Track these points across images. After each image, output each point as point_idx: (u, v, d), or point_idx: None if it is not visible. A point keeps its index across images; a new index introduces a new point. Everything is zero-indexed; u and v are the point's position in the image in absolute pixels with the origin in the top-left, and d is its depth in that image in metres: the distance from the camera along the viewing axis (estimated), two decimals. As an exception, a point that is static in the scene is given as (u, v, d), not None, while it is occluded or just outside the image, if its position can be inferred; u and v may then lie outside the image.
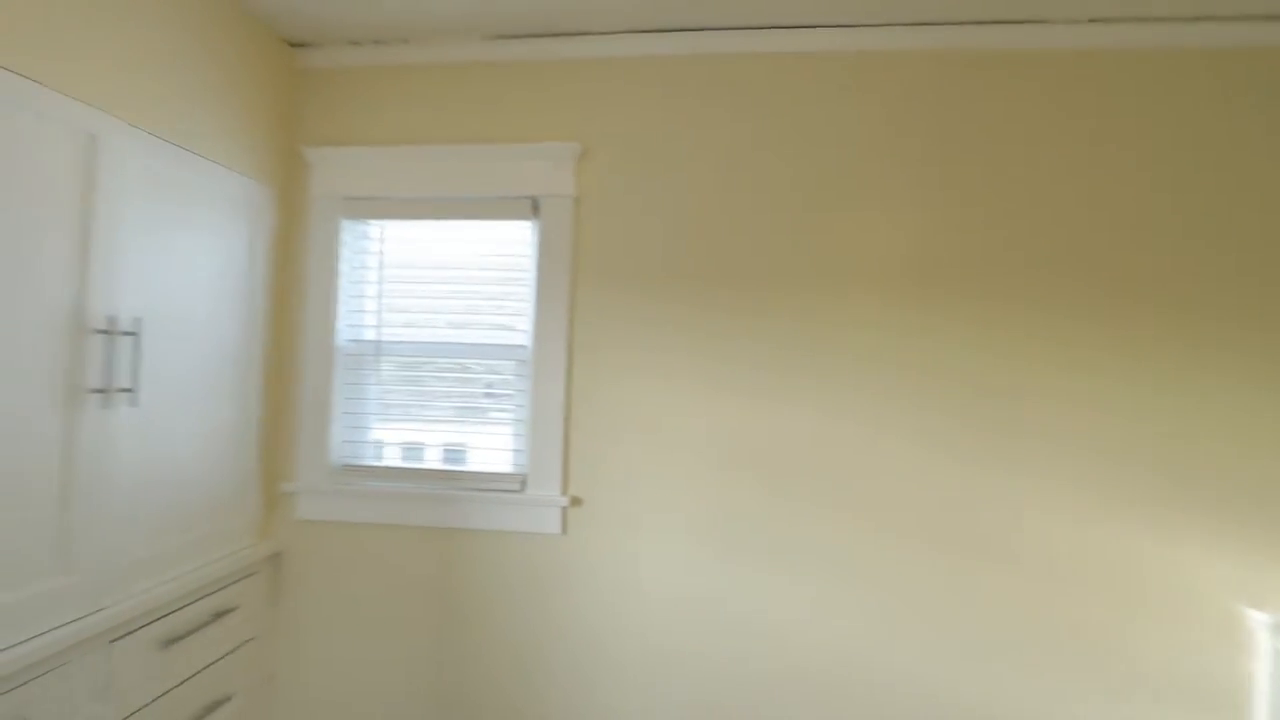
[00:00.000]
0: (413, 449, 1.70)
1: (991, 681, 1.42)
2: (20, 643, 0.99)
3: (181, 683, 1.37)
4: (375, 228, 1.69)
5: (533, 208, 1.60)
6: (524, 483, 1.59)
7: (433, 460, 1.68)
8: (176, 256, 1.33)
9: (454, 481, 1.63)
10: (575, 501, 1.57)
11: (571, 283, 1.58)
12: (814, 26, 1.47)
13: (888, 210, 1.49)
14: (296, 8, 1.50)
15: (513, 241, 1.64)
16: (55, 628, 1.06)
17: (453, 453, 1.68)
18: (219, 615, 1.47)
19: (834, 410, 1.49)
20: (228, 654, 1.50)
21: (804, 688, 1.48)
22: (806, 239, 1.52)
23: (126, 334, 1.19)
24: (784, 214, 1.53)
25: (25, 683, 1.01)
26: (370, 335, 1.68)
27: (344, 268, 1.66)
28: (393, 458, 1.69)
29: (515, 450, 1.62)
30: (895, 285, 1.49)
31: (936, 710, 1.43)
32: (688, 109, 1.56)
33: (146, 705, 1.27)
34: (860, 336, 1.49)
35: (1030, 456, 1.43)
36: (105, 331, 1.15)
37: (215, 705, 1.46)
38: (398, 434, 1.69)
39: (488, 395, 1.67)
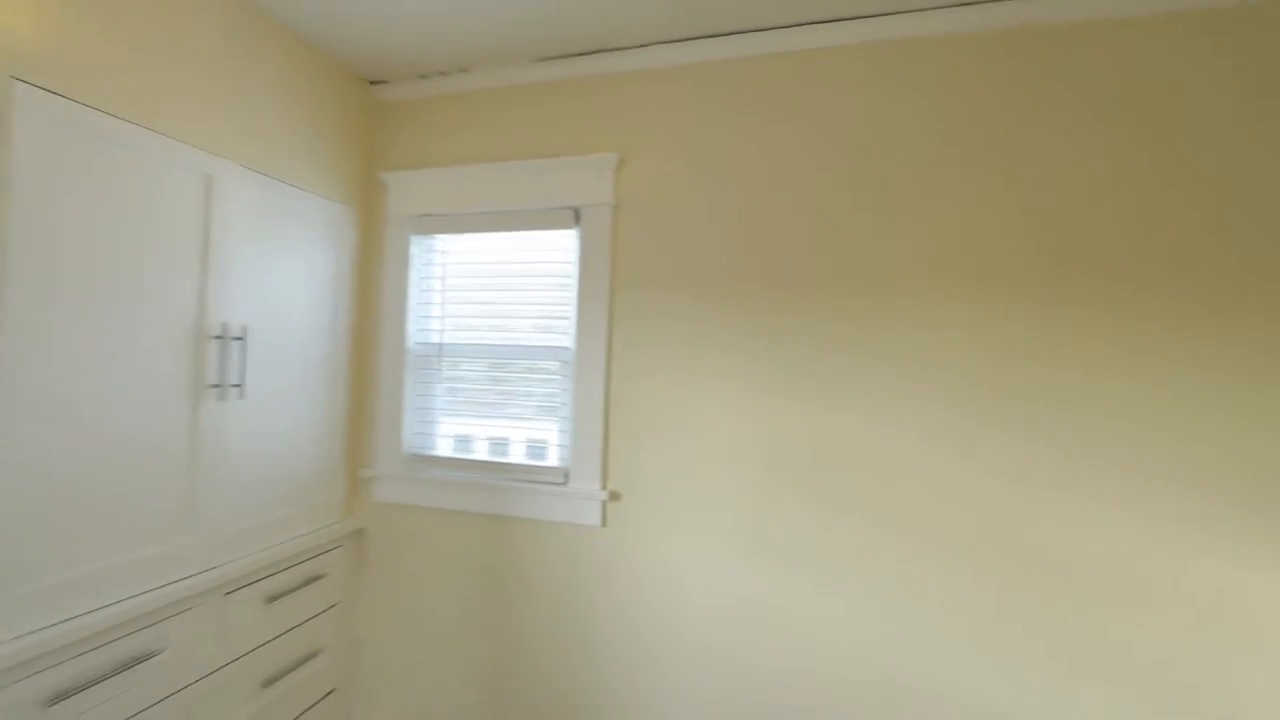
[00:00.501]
0: (479, 442, 1.85)
1: (1033, 698, 1.30)
2: (153, 589, 1.24)
3: (282, 634, 1.61)
4: (440, 241, 1.87)
5: (575, 216, 1.69)
6: (566, 476, 1.68)
7: (495, 453, 1.82)
8: (276, 272, 1.57)
9: (505, 473, 1.76)
10: (614, 496, 1.64)
11: (611, 285, 1.65)
12: (844, 19, 1.43)
13: (933, 203, 1.41)
14: (374, 50, 1.70)
15: (558, 249, 1.74)
16: (181, 579, 1.31)
17: (512, 446, 1.82)
18: (311, 580, 1.70)
19: (874, 413, 1.44)
20: (318, 614, 1.74)
21: (833, 696, 1.44)
22: (847, 236, 1.47)
23: (236, 339, 1.43)
24: (823, 210, 1.49)
25: (157, 622, 1.25)
26: (435, 338, 1.86)
27: (414, 278, 1.85)
28: (458, 450, 1.86)
29: (560, 445, 1.73)
30: (943, 283, 1.40)
31: (986, 736, 1.34)
32: (722, 112, 1.58)
33: (254, 650, 1.52)
34: (903, 337, 1.42)
35: (1088, 473, 1.29)
36: (219, 337, 1.39)
37: (309, 657, 1.70)
38: (460, 428, 1.86)
39: (536, 393, 1.78)
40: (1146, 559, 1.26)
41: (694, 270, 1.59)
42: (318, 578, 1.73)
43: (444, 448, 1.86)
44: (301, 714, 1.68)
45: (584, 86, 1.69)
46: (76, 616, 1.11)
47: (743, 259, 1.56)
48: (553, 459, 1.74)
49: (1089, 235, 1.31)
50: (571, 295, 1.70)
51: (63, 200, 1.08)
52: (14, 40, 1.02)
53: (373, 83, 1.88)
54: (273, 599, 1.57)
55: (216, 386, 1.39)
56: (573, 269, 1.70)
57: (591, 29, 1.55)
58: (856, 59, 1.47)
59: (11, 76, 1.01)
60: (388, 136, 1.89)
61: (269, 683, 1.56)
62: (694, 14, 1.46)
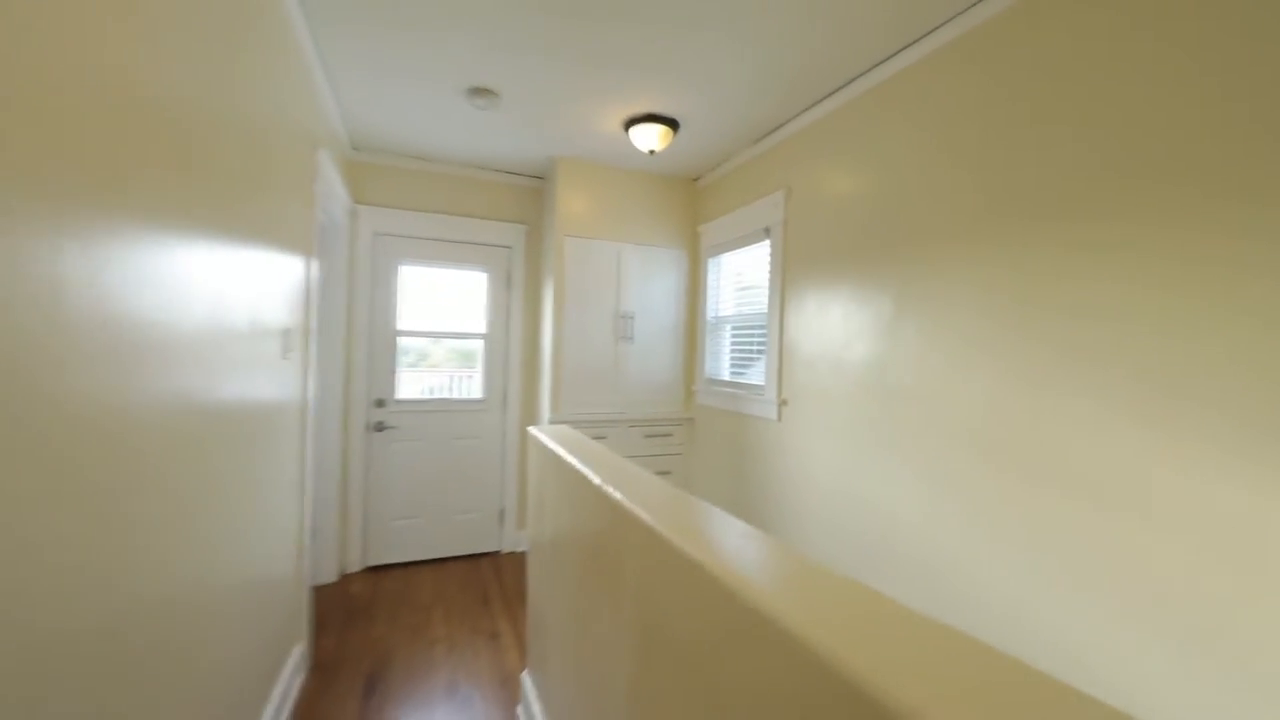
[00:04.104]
0: (733, 369, 3.19)
1: (1054, 608, 1.55)
2: (599, 415, 3.29)
3: (652, 455, 3.46)
4: (721, 259, 3.31)
5: (766, 232, 2.78)
6: (763, 391, 2.80)
7: (739, 377, 3.12)
8: (648, 286, 3.42)
9: (742, 389, 3.03)
10: (784, 402, 2.65)
11: (783, 271, 2.66)
12: (937, 28, 1.85)
13: (1003, 162, 1.81)
14: (699, 164, 3.31)
15: (763, 255, 2.87)
16: (610, 414, 3.32)
17: (747, 372, 3.06)
18: (666, 436, 3.50)
19: (959, 348, 1.94)
20: (668, 455, 3.52)
21: (898, 558, 2.03)
22: (932, 203, 2.00)
23: (630, 318, 3.36)
24: (920, 181, 2.07)
25: (603, 431, 3.29)
26: (716, 314, 3.31)
27: (710, 281, 3.37)
28: (728, 375, 3.25)
29: (762, 371, 2.85)
30: (998, 229, 1.79)
31: (1006, 615, 1.69)
32: (846, 142, 2.34)
33: (641, 456, 3.42)
34: (961, 276, 1.88)
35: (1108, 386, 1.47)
36: (623, 316, 3.34)
37: (664, 473, 3.50)
38: (726, 361, 3.24)
39: (756, 341, 2.96)
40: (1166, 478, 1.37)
41: (829, 251, 2.42)
42: (669, 435, 3.51)
43: (721, 374, 3.29)
44: (661, 498, 3.50)
45: (770, 152, 2.77)
46: (581, 411, 3.24)
47: (866, 240, 2.27)
48: (759, 380, 2.88)
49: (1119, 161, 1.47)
50: (767, 281, 2.81)
51: (575, 269, 3.21)
52: (566, 218, 3.19)
53: (694, 179, 3.51)
54: (648, 437, 3.44)
55: (622, 338, 3.35)
56: (767, 265, 2.80)
57: (770, 117, 2.63)
58: (944, 59, 1.92)
59: (565, 235, 3.18)
60: (700, 205, 3.47)
61: (646, 474, 3.44)
62: (822, 81, 2.35)
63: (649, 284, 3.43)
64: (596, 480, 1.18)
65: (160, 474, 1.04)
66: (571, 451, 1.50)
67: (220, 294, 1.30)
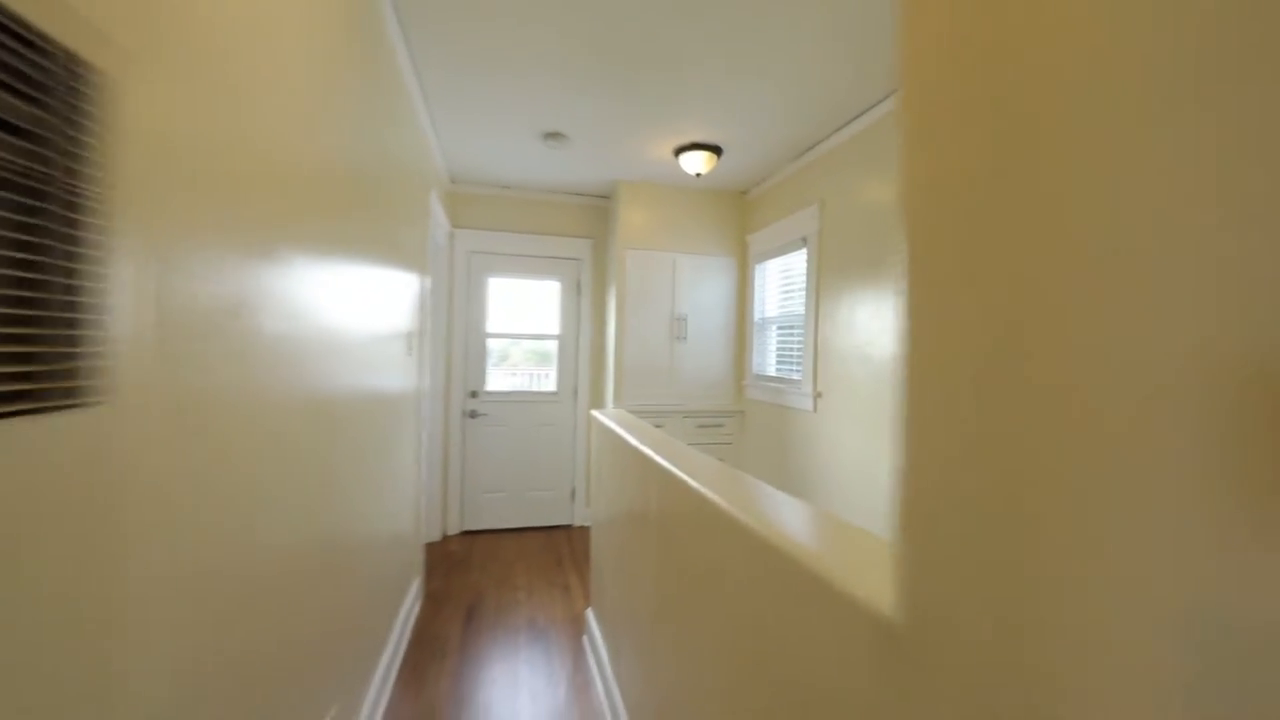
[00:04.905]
0: (774, 365, 3.49)
1: None
2: (657, 405, 3.70)
3: (703, 443, 3.83)
4: (766, 265, 3.61)
5: (804, 241, 3.07)
6: (801, 385, 3.09)
7: (782, 372, 3.42)
8: (699, 291, 3.79)
9: (781, 382, 3.32)
10: (819, 394, 2.93)
11: (818, 276, 2.94)
12: None
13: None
14: (745, 179, 3.65)
15: (800, 261, 3.15)
16: (667, 404, 3.72)
17: (786, 368, 3.35)
18: (718, 426, 3.85)
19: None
20: (719, 444, 3.86)
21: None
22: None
23: (683, 319, 3.75)
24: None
25: (661, 419, 3.70)
26: (762, 315, 3.62)
27: (756, 285, 3.68)
28: (772, 370, 3.55)
29: (799, 366, 3.14)
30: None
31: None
32: (873, 156, 2.61)
33: (694, 444, 3.80)
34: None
35: None
36: (678, 318, 3.74)
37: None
38: (769, 357, 3.54)
39: (795, 338, 3.24)
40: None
41: (856, 258, 2.68)
42: (720, 425, 3.86)
43: (767, 369, 3.60)
44: (713, 482, 3.85)
45: (805, 168, 3.05)
46: (641, 403, 3.67)
47: (882, 245, 2.54)
48: (796, 375, 3.17)
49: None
50: (804, 285, 3.09)
51: (635, 277, 3.65)
52: (627, 233, 3.63)
53: (743, 193, 3.84)
54: (701, 427, 3.81)
55: (677, 338, 3.74)
56: (804, 270, 3.09)
57: (804, 138, 2.93)
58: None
59: (626, 247, 3.63)
60: (748, 216, 3.80)
61: (699, 460, 3.81)
62: (847, 108, 2.63)
63: (701, 289, 3.81)
64: (634, 441, 1.59)
65: (347, 447, 1.58)
66: (618, 423, 1.93)
67: (370, 306, 1.85)
